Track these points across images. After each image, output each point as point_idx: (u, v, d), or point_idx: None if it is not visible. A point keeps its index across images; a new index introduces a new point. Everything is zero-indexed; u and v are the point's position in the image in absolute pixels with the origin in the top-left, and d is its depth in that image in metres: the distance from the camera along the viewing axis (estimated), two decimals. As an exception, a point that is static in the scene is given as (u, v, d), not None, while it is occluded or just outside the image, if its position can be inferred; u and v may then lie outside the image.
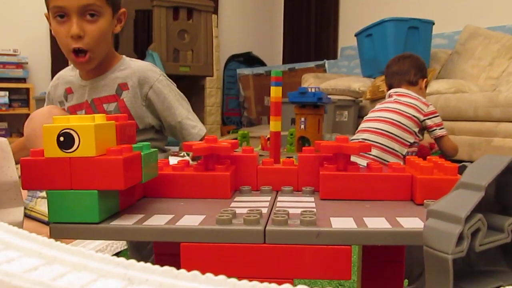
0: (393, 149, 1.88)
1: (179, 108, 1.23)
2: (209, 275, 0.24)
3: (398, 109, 1.93)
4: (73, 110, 1.25)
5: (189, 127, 1.23)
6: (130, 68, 1.22)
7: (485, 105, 2.74)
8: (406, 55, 2.15)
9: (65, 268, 0.24)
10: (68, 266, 0.24)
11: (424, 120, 1.93)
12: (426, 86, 2.11)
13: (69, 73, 1.29)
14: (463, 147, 2.82)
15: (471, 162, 0.42)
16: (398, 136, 1.89)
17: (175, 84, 1.28)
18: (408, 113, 1.92)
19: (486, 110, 2.73)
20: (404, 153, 1.89)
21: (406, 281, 0.87)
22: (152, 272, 0.24)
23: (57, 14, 1.10)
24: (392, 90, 2.06)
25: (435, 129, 1.95)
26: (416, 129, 1.92)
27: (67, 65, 1.35)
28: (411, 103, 1.95)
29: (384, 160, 1.84)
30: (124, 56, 1.27)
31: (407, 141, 1.90)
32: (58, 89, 1.29)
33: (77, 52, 1.12)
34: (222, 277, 0.25)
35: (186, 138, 1.22)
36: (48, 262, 0.25)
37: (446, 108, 2.95)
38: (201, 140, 1.21)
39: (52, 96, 1.32)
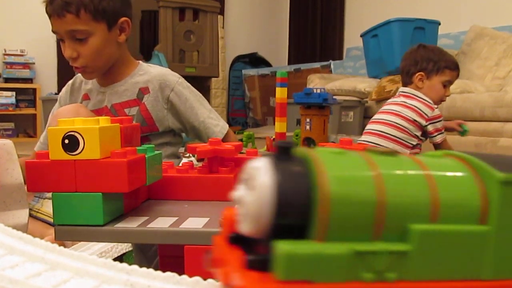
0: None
1: (201, 108, 1.25)
2: (211, 281, 0.24)
3: (401, 113, 1.90)
4: None
5: (212, 126, 1.25)
6: (150, 73, 1.24)
7: (491, 105, 2.73)
8: (412, 50, 2.05)
9: (68, 273, 0.24)
10: (71, 271, 0.24)
11: (426, 125, 1.89)
12: (428, 79, 1.96)
13: (87, 80, 1.31)
14: (469, 147, 2.81)
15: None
16: (400, 139, 1.88)
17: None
18: (410, 117, 1.88)
19: (492, 110, 2.72)
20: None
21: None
22: (154, 278, 0.24)
23: (58, 37, 1.16)
24: (400, 89, 2.03)
25: (435, 135, 1.91)
26: (418, 133, 1.90)
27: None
28: (415, 106, 1.90)
29: None
30: (141, 61, 1.29)
31: (410, 143, 1.89)
32: (74, 96, 1.31)
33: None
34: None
35: (210, 137, 1.23)
36: (51, 267, 0.25)
37: (452, 109, 2.94)
38: (224, 137, 1.24)
39: (64, 102, 1.33)
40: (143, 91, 1.22)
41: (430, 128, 1.89)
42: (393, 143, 1.87)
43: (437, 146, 1.96)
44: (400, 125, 1.88)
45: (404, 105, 1.93)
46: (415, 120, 1.88)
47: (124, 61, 1.25)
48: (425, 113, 1.89)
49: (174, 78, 1.25)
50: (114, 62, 1.22)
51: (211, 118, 1.26)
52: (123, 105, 1.23)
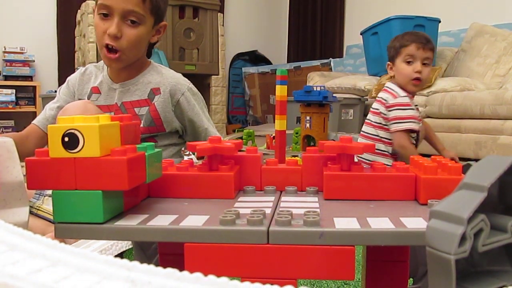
0: (380, 150, 1.82)
1: (202, 116, 1.32)
2: (211, 277, 0.25)
3: (372, 107, 1.87)
4: None
5: (212, 134, 1.30)
6: (163, 75, 1.28)
7: (491, 103, 2.73)
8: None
9: (69, 270, 0.24)
10: (72, 268, 0.25)
11: (387, 113, 1.79)
12: (394, 65, 1.85)
13: (98, 72, 1.31)
14: (469, 145, 2.81)
15: (477, 160, 0.42)
16: (378, 136, 1.83)
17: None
18: (376, 109, 1.84)
19: (493, 108, 2.72)
20: (390, 152, 1.82)
21: (411, 280, 0.87)
22: (155, 274, 0.24)
23: (102, 11, 1.16)
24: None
25: (391, 123, 1.78)
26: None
27: (73, 64, 1.37)
28: (380, 97, 1.85)
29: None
30: (152, 61, 1.32)
31: (388, 139, 1.82)
32: (85, 85, 1.31)
33: (110, 48, 1.17)
34: (224, 279, 0.25)
35: None
36: (52, 264, 0.25)
37: (452, 106, 2.94)
38: None
39: (73, 88, 1.33)
40: (155, 91, 1.25)
41: (389, 115, 1.78)
42: (377, 142, 1.83)
43: (392, 136, 1.80)
44: (374, 121, 1.83)
45: (377, 99, 1.89)
46: (380, 112, 1.81)
47: (141, 59, 1.28)
48: (386, 101, 1.80)
49: (185, 83, 1.29)
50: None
51: (210, 126, 1.33)
52: (133, 104, 1.25)
